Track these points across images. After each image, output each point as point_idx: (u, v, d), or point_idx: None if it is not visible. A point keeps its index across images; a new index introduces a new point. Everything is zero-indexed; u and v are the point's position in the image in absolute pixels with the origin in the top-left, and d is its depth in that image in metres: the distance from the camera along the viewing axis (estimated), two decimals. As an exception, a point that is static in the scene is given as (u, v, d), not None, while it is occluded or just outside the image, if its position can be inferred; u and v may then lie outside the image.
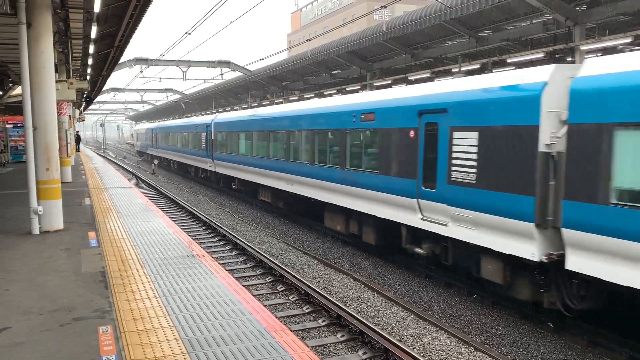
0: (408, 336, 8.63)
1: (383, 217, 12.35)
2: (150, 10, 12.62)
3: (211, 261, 8.43)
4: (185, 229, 16.26)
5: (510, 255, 8.79)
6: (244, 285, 8.87)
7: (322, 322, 9.03)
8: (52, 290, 6.71)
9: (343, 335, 8.44)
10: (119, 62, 24.76)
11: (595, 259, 7.39)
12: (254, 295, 9.14)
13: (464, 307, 10.37)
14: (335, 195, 14.58)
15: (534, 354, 8.40)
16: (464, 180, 9.60)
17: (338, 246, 15.38)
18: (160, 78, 42.90)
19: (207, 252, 10.42)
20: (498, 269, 9.28)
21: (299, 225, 18.57)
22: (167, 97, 59.19)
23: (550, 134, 8.02)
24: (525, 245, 8.39)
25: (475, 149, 9.38)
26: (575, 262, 7.70)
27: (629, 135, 6.90)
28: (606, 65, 7.48)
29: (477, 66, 18.09)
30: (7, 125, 28.60)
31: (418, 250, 11.46)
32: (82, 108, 45.19)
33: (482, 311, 10.11)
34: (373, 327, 8.23)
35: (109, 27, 14.40)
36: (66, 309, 6.02)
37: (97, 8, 11.42)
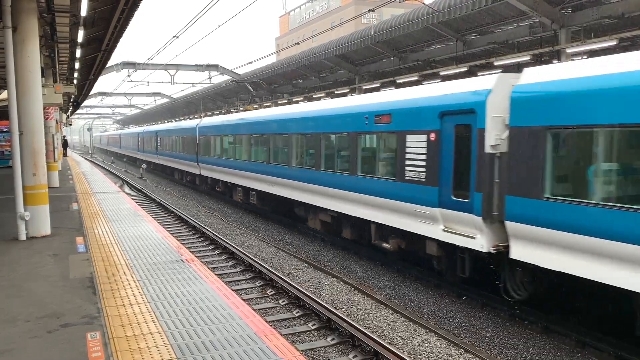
0: (398, 339, 8.64)
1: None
2: (137, 14, 12.59)
3: (200, 266, 8.40)
4: (174, 233, 16.18)
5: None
6: (233, 290, 8.84)
7: (313, 325, 9.01)
8: (40, 297, 6.64)
9: (333, 339, 8.44)
10: (107, 66, 24.62)
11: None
12: (244, 300, 9.11)
13: (453, 309, 10.41)
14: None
15: (523, 355, 8.45)
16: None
17: (328, 249, 15.38)
18: (148, 82, 42.77)
19: (196, 256, 10.39)
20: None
21: (289, 229, 18.55)
22: (154, 100, 58.96)
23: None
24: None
25: None
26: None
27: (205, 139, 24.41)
28: (205, 121, 25.72)
29: (465, 69, 18.21)
30: (-7, 130, 28.27)
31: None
32: (69, 112, 44.84)
33: (472, 313, 10.15)
34: (363, 330, 8.24)
35: (96, 30, 14.31)
36: (54, 315, 5.96)
37: (84, 12, 11.34)
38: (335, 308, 9.85)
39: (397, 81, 21.42)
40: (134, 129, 57.09)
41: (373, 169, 12.34)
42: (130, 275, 7.71)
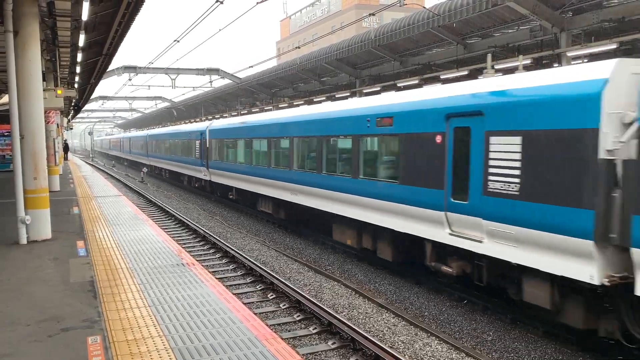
0: (399, 343, 8.62)
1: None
2: (138, 18, 12.62)
3: (201, 269, 8.39)
4: (174, 237, 16.17)
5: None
6: (234, 294, 8.83)
7: (313, 329, 8.99)
8: (40, 301, 6.63)
9: (334, 343, 8.41)
10: (107, 70, 24.66)
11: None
12: (245, 304, 9.08)
13: (454, 312, 10.39)
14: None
15: (525, 359, 8.43)
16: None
17: (329, 253, 15.36)
18: (149, 86, 42.89)
19: (197, 260, 10.38)
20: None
21: (290, 233, 18.53)
22: (155, 104, 59.03)
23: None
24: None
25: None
26: None
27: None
28: (150, 132, 46.48)
29: (466, 72, 18.23)
30: (-6, 134, 28.29)
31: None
32: (70, 116, 44.90)
33: (473, 317, 10.12)
34: (364, 334, 8.22)
35: (97, 35, 14.34)
36: (54, 319, 5.96)
37: (85, 16, 11.37)
38: (336, 312, 9.83)
39: (398, 85, 21.43)
40: (117, 135, 76.48)
41: (190, 154, 28.73)
42: (130, 279, 7.70)
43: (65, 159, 43.46)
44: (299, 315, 9.63)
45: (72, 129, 63.55)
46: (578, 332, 8.73)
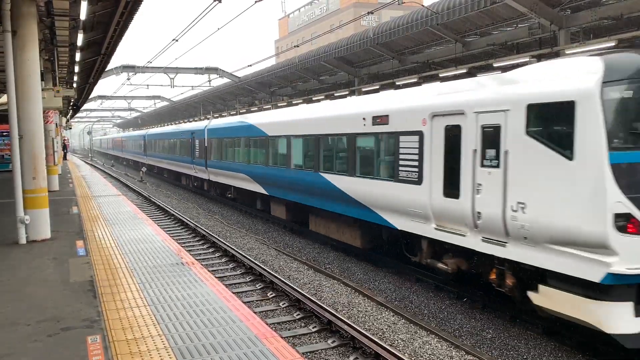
0: (399, 341, 8.63)
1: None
2: (136, 18, 12.61)
3: (201, 269, 8.39)
4: (174, 236, 16.16)
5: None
6: (234, 293, 8.83)
7: (313, 328, 9.00)
8: (40, 301, 6.63)
9: (334, 341, 8.42)
10: (106, 70, 24.62)
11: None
12: (244, 303, 9.08)
13: (454, 310, 10.40)
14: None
15: (525, 357, 8.44)
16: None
17: (328, 252, 15.37)
18: (148, 85, 42.89)
19: (197, 259, 10.37)
20: None
21: (289, 232, 18.55)
22: (154, 104, 59.00)
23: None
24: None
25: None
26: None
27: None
28: (123, 134, 70.90)
29: (464, 70, 18.21)
30: (-7, 134, 28.24)
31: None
32: (69, 116, 44.90)
33: (472, 314, 10.14)
34: (364, 332, 8.23)
35: (96, 34, 14.33)
36: (54, 319, 5.96)
37: (83, 16, 11.35)
38: (336, 310, 9.84)
39: (397, 83, 21.42)
40: (107, 137, 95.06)
41: (140, 149, 48.27)
42: (130, 279, 7.70)
43: (65, 158, 43.44)
44: (298, 314, 9.64)
45: (71, 128, 63.73)
46: (575, 330, 8.75)
